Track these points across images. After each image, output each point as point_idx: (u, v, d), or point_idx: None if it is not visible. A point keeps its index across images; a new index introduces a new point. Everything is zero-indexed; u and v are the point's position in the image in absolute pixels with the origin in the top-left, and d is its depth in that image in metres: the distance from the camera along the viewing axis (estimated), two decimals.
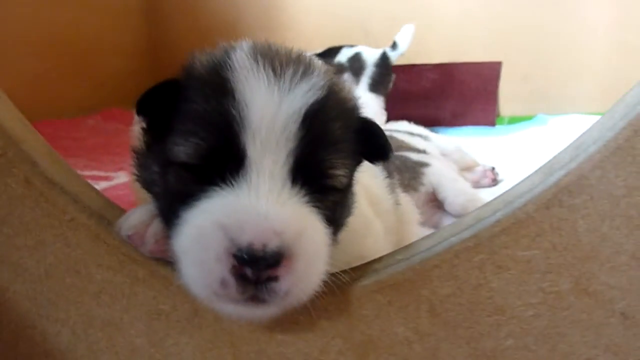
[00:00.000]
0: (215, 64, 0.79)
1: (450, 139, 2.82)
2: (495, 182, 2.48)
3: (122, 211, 0.87)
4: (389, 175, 1.30)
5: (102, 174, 2.29)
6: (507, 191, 0.80)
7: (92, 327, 0.86)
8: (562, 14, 3.87)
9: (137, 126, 0.90)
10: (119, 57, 4.02)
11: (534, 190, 0.73)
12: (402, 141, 2.35)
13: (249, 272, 0.65)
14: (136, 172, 0.88)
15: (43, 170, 0.83)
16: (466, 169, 2.57)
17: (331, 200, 0.78)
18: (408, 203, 1.49)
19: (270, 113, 0.72)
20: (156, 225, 0.81)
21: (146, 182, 0.85)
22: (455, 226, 0.79)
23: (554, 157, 0.76)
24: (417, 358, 0.80)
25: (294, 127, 0.73)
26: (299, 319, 0.80)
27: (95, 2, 3.77)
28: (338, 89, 0.83)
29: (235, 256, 0.65)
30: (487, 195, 1.90)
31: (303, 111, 0.73)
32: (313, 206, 0.74)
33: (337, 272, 0.77)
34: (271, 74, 0.75)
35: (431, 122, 3.78)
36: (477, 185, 2.42)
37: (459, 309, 0.78)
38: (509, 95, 4.07)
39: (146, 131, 0.86)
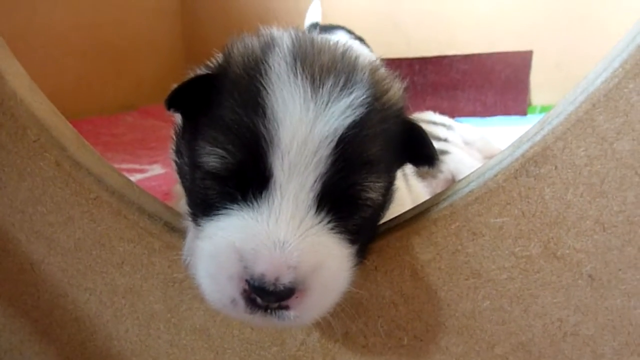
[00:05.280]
0: (251, 66, 0.74)
1: (474, 129, 2.82)
2: None
3: (139, 190, 0.96)
4: None
5: (137, 167, 2.41)
6: (482, 165, 0.85)
7: (116, 295, 0.94)
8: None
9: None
10: (155, 57, 4.13)
11: (504, 162, 0.78)
12: None
13: (259, 300, 0.65)
14: (174, 156, 0.87)
15: (71, 154, 0.91)
16: (490, 157, 2.57)
17: (361, 217, 0.74)
18: (417, 185, 1.52)
19: (302, 133, 0.67)
20: None
21: (179, 170, 0.85)
22: (435, 198, 0.85)
23: (525, 133, 0.81)
24: (403, 319, 0.86)
25: (326, 150, 0.67)
26: None
27: (132, 5, 3.90)
28: (382, 93, 0.77)
29: (247, 281, 0.64)
30: None
31: (338, 133, 0.68)
32: (338, 231, 0.70)
33: None
34: (308, 86, 0.69)
35: (462, 112, 3.79)
36: None
37: (438, 274, 0.83)
38: (541, 84, 4.01)
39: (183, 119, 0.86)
